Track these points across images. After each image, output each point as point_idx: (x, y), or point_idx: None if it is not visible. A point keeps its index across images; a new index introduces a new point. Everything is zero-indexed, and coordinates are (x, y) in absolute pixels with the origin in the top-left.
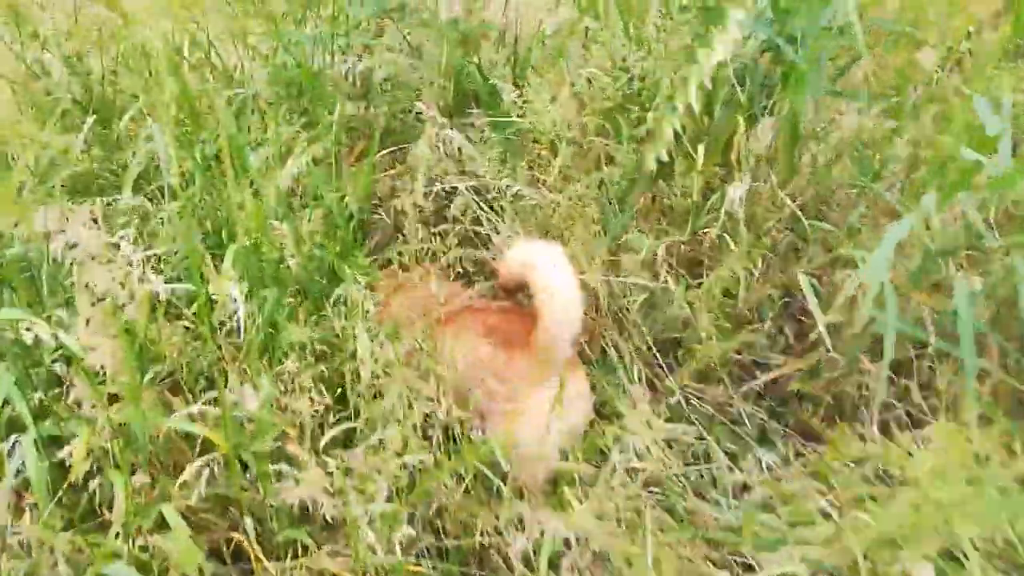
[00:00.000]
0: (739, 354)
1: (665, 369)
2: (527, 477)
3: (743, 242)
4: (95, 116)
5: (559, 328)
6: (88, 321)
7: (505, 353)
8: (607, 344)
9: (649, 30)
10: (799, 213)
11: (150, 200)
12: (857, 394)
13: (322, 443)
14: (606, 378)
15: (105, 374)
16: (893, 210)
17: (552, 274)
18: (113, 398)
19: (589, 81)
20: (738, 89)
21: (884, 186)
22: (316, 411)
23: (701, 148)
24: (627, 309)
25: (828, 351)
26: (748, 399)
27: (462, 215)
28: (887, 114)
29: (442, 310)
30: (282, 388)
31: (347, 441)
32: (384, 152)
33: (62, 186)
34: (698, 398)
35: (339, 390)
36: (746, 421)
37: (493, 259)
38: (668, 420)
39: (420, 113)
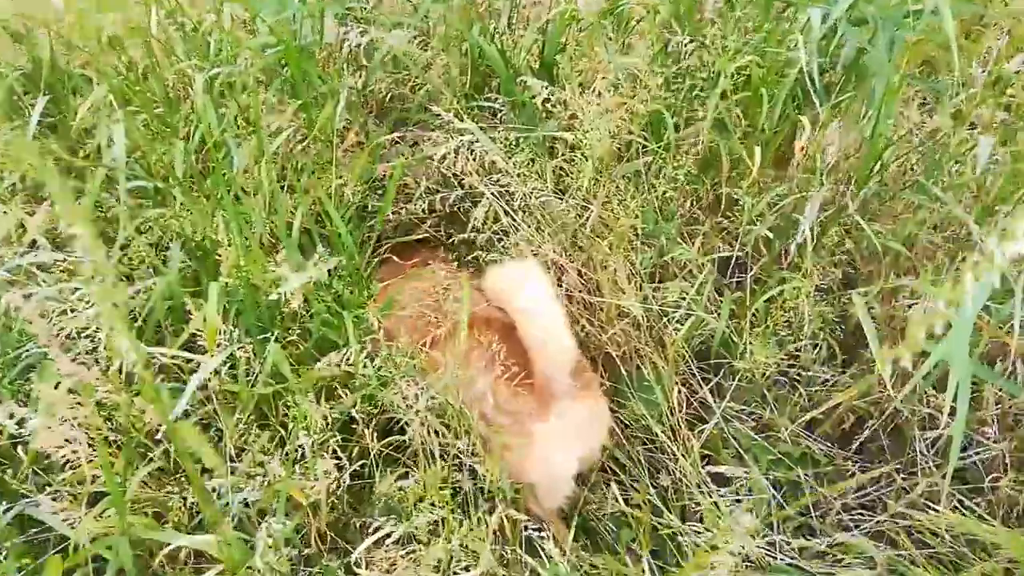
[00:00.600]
0: (784, 374)
1: (702, 384)
2: (540, 509)
3: (807, 259)
4: (48, 96)
5: (547, 361)
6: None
7: (507, 385)
8: (643, 362)
9: (707, 14)
10: (870, 233)
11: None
12: (913, 418)
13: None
14: (640, 395)
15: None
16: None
17: (527, 306)
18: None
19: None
20: (814, 80)
21: (957, 196)
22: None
23: (758, 151)
24: (666, 325)
25: (887, 390)
26: (785, 405)
27: (483, 222)
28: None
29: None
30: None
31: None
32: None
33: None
34: (739, 419)
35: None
36: (787, 439)
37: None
38: (705, 446)
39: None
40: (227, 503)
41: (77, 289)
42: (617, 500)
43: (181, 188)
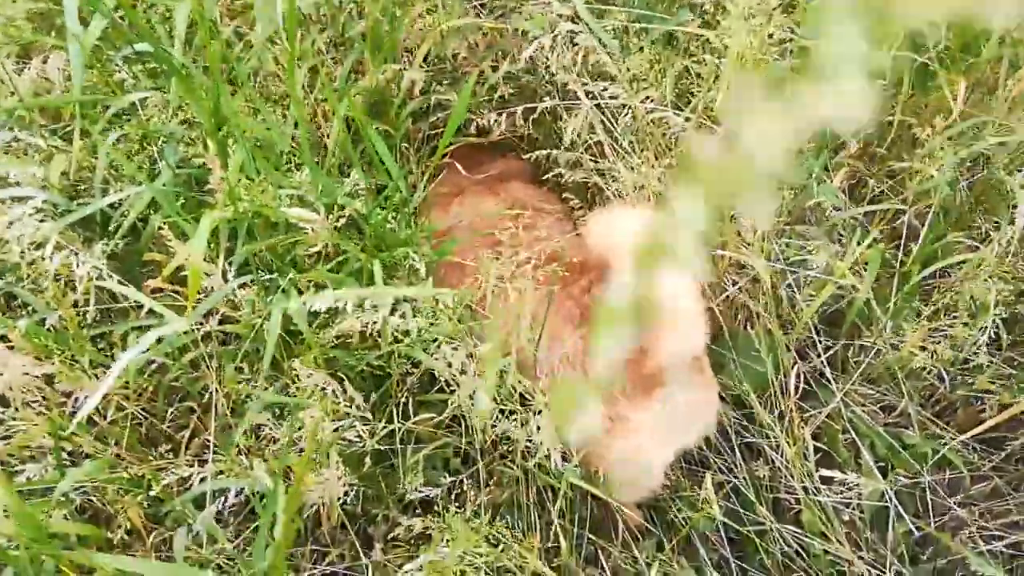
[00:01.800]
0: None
1: (823, 358)
2: (622, 499)
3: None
4: None
5: (669, 348)
6: None
7: None
8: (753, 322)
9: None
10: None
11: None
12: None
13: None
14: (744, 363)
15: None
16: None
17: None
18: None
19: None
20: None
21: None
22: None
23: (962, 82)
24: (794, 289)
25: None
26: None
27: (576, 137)
28: None
29: (513, 247)
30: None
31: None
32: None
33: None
34: (859, 402)
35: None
36: (914, 426)
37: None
38: (815, 436)
39: None
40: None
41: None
42: (698, 485)
43: (174, 69)
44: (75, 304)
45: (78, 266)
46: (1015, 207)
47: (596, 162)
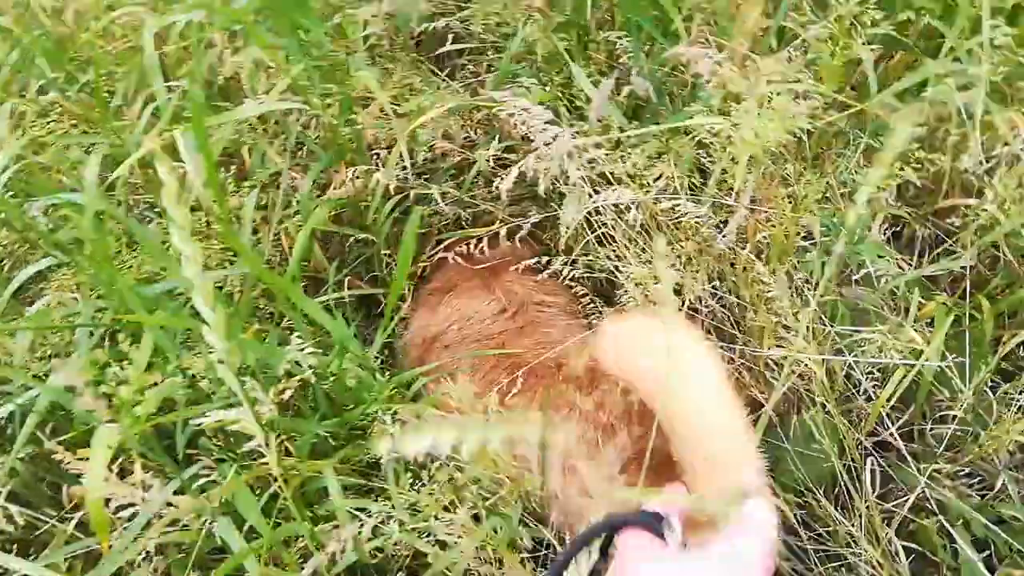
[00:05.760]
0: None
1: (892, 431)
2: None
3: None
4: None
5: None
6: None
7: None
8: (805, 405)
9: None
10: None
11: None
12: None
13: None
14: (801, 452)
15: None
16: None
17: (700, 413)
18: None
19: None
20: None
21: None
22: None
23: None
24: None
25: None
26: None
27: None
28: None
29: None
30: None
31: None
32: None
33: None
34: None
35: None
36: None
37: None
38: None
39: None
40: None
41: None
42: None
43: (77, 249)
44: None
45: None
46: None
47: (602, 246)
